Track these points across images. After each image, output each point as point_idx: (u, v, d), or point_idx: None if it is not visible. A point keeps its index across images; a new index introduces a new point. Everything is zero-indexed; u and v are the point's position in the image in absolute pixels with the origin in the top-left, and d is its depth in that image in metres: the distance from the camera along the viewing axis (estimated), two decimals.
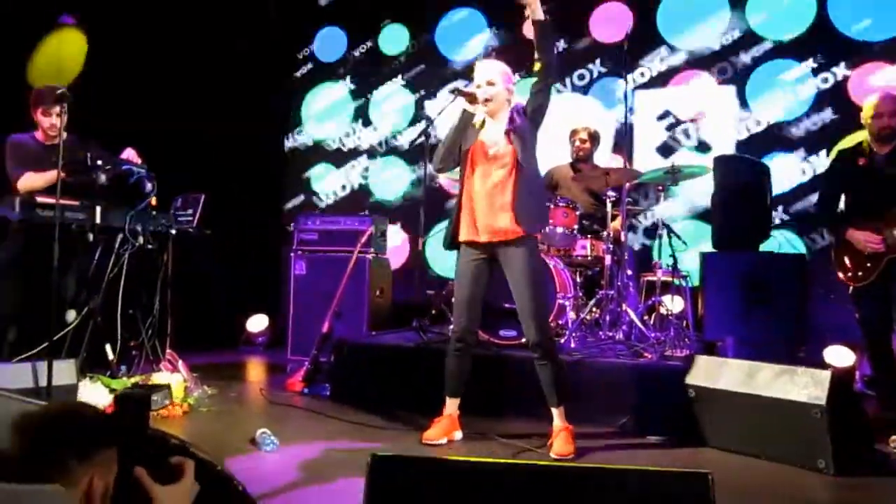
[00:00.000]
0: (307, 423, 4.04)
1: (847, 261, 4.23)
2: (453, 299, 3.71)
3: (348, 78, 7.89)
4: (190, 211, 4.95)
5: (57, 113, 4.27)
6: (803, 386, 3.28)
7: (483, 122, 3.56)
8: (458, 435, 3.69)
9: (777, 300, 4.94)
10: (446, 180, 6.97)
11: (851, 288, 4.24)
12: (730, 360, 3.70)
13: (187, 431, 3.68)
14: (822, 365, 5.16)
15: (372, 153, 7.73)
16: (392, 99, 7.69)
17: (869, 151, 4.27)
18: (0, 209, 4.05)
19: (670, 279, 4.93)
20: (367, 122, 7.79)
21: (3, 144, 4.36)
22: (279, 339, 6.58)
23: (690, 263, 5.49)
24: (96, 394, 3.91)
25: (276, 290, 7.07)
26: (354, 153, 7.82)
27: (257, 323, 7.16)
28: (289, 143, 8.11)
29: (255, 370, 6.07)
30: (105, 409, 3.86)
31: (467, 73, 3.71)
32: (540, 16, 3.47)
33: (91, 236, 4.22)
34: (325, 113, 7.98)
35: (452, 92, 3.50)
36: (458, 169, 3.66)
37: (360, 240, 5.60)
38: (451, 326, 3.66)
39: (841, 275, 4.28)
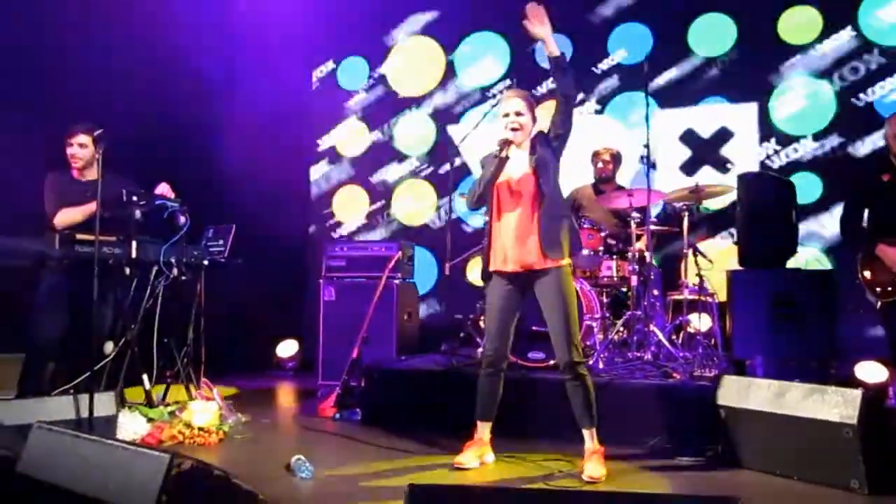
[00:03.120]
0: (340, 448, 4.10)
1: (874, 276, 4.20)
2: (483, 325, 3.76)
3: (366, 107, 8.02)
4: (221, 241, 5.07)
5: (79, 143, 4.42)
6: (834, 405, 3.28)
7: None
8: (490, 458, 3.72)
9: (806, 317, 4.92)
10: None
11: (879, 303, 4.20)
12: (759, 380, 3.70)
13: (224, 460, 3.74)
14: (854, 381, 5.13)
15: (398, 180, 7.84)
16: (414, 126, 7.81)
17: (894, 167, 4.26)
18: (40, 246, 4.18)
19: (697, 298, 4.94)
20: (392, 149, 7.90)
21: (42, 181, 4.51)
22: (309, 364, 6.66)
23: (717, 282, 5.49)
24: (135, 424, 4.01)
25: (307, 316, 7.16)
26: (380, 178, 7.92)
27: (287, 348, 7.25)
28: (315, 170, 8.22)
29: (287, 396, 6.15)
30: (143, 439, 3.96)
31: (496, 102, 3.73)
32: (556, 52, 3.55)
33: (127, 270, 4.34)
34: (350, 139, 8.10)
35: (500, 151, 3.53)
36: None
37: (387, 265, 5.68)
38: (483, 350, 3.70)
39: (867, 290, 4.25)
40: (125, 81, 5.88)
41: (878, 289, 4.18)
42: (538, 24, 3.53)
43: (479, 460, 3.65)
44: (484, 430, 3.72)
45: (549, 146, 3.62)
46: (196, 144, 6.55)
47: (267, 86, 7.39)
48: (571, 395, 3.54)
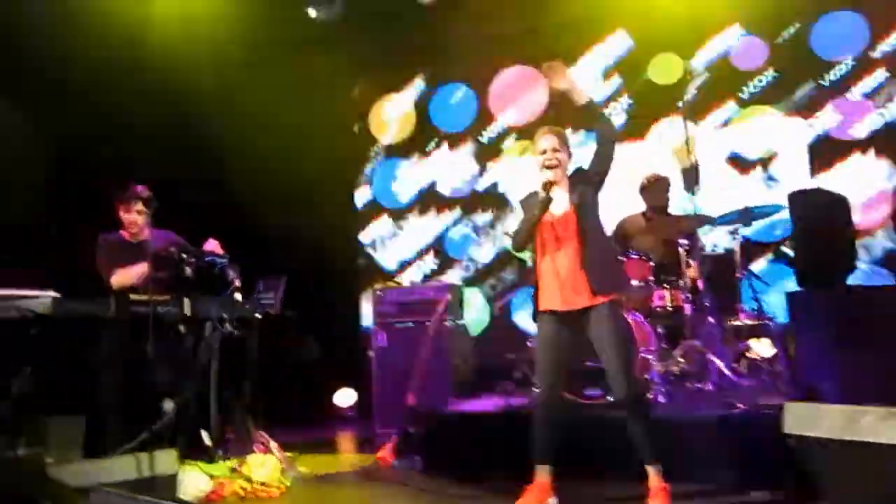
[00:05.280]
0: (401, 497, 4.06)
1: None
2: (536, 366, 3.70)
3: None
4: (272, 294, 5.11)
5: (137, 210, 4.55)
6: None
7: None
8: (552, 501, 3.62)
9: (874, 336, 4.73)
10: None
11: None
12: (829, 406, 3.54)
13: None
14: None
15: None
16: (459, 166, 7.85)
17: None
18: (97, 307, 4.27)
19: (756, 322, 4.78)
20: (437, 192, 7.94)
21: (94, 243, 4.64)
22: (366, 412, 6.64)
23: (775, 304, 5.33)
24: (197, 481, 4.02)
25: (362, 363, 7.16)
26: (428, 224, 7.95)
27: (345, 397, 7.25)
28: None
29: (346, 444, 6.13)
30: (207, 496, 3.97)
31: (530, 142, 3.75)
32: (582, 100, 3.56)
33: (182, 327, 4.40)
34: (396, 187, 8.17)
35: (546, 193, 3.54)
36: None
37: (437, 308, 5.66)
38: (537, 392, 3.64)
39: None
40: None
41: None
42: (560, 80, 3.56)
43: None
44: (543, 472, 3.62)
45: (588, 182, 3.60)
46: (242, 197, 6.67)
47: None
48: (632, 431, 3.45)
